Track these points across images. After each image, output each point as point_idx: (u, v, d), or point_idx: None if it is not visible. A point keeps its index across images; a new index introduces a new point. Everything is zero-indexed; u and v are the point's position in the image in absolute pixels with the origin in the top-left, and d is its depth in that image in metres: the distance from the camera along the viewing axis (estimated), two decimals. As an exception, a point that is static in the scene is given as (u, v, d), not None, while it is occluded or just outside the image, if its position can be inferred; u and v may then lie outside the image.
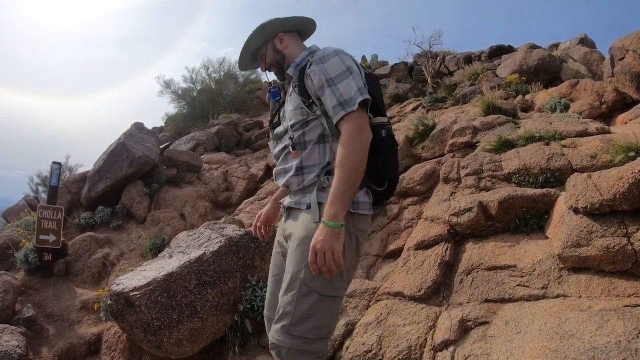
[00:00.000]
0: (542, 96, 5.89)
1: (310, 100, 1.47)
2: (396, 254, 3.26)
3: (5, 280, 3.89)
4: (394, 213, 3.78)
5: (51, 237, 4.65)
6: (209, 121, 12.17)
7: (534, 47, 9.38)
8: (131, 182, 6.23)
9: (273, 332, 1.38)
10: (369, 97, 1.40)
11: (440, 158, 4.16)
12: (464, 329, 2.25)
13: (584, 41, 8.81)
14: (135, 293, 2.78)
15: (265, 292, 2.57)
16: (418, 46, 12.10)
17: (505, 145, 3.70)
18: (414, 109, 7.90)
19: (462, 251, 2.85)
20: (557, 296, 2.17)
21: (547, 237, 2.61)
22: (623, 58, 4.81)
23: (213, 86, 14.14)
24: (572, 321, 1.88)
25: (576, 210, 2.34)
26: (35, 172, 10.05)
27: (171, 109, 15.46)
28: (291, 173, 1.51)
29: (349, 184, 1.33)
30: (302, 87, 1.49)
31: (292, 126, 1.53)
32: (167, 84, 14.32)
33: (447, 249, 2.86)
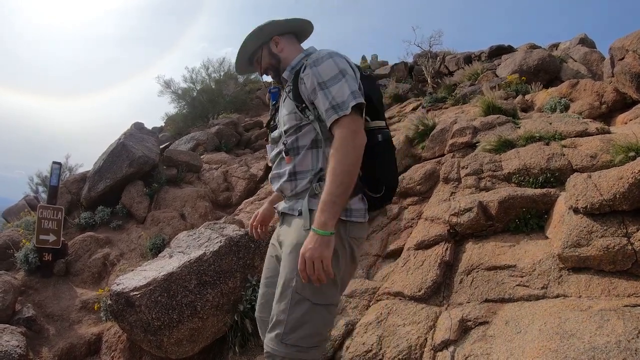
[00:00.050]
0: (542, 96, 5.89)
1: (304, 105, 1.44)
2: (396, 254, 3.26)
3: (6, 280, 3.89)
4: (394, 213, 3.78)
5: (51, 237, 4.65)
6: (209, 121, 12.17)
7: (534, 47, 9.38)
8: (131, 182, 6.23)
9: (267, 341, 1.37)
10: (362, 100, 1.37)
11: (440, 158, 4.16)
12: (464, 329, 2.25)
13: (584, 41, 8.82)
14: (135, 293, 2.78)
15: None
16: (418, 46, 12.12)
17: (505, 146, 3.70)
18: (414, 109, 7.91)
19: (462, 251, 2.85)
20: (557, 296, 2.17)
21: (547, 237, 2.61)
22: (623, 58, 4.81)
23: (213, 86, 14.15)
24: (572, 321, 1.89)
25: (576, 210, 2.34)
26: (35, 172, 10.06)
27: (171, 109, 15.49)
28: (284, 179, 1.49)
29: (341, 191, 1.29)
30: (296, 92, 1.46)
31: (285, 131, 1.51)
32: (167, 84, 14.34)
33: (447, 249, 2.86)
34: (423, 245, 3.00)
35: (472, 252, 2.77)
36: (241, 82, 14.56)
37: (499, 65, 8.99)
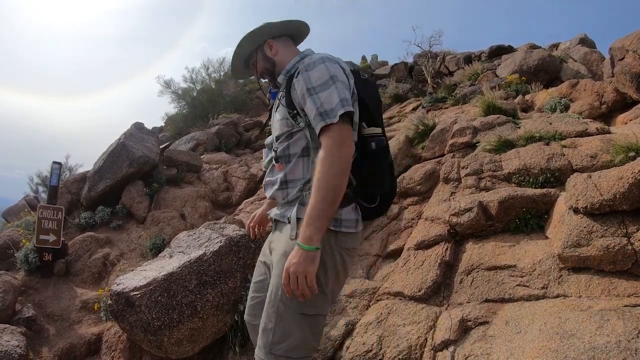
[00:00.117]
0: (542, 96, 5.89)
1: (295, 112, 1.40)
2: (396, 254, 3.26)
3: (6, 280, 3.89)
4: (394, 213, 3.78)
5: (51, 237, 4.65)
6: (209, 121, 12.18)
7: (534, 47, 9.39)
8: (131, 182, 6.23)
9: (257, 350, 1.36)
10: (351, 109, 1.31)
11: (440, 158, 4.16)
12: (464, 328, 2.25)
13: (584, 41, 8.82)
14: (135, 293, 2.78)
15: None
16: (418, 46, 12.14)
17: (506, 146, 3.70)
18: (414, 109, 7.92)
19: (462, 251, 2.85)
20: (557, 296, 2.17)
21: (547, 237, 2.61)
22: (623, 58, 4.81)
23: (213, 86, 14.15)
24: (572, 321, 1.89)
25: (576, 210, 2.35)
26: (35, 172, 10.05)
27: (171, 109, 15.49)
28: (276, 187, 1.47)
29: (326, 204, 1.24)
30: (289, 98, 1.42)
31: (277, 138, 1.48)
32: (167, 84, 14.35)
33: (447, 249, 2.86)
34: (423, 245, 3.00)
35: (472, 252, 2.77)
36: (241, 82, 14.57)
37: (499, 65, 9.00)
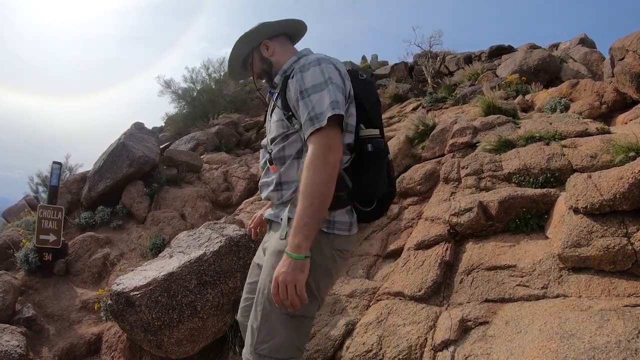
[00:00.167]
0: (542, 96, 5.89)
1: (290, 113, 1.38)
2: (396, 254, 3.26)
3: (6, 280, 3.89)
4: (394, 213, 3.78)
5: (51, 237, 4.65)
6: (209, 121, 12.19)
7: (534, 47, 9.39)
8: (131, 182, 6.23)
9: (244, 350, 1.36)
10: (341, 112, 1.27)
11: (440, 158, 4.16)
12: (464, 328, 2.25)
13: (584, 41, 8.82)
14: (135, 293, 2.78)
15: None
16: (418, 46, 12.15)
17: (506, 146, 3.70)
18: (414, 109, 7.92)
19: (462, 251, 2.85)
20: (557, 296, 2.17)
21: (547, 237, 2.61)
22: (623, 58, 4.81)
23: (213, 86, 14.16)
24: (572, 321, 1.89)
25: (576, 210, 2.35)
26: (35, 172, 10.04)
27: (171, 109, 15.51)
28: (271, 188, 1.46)
29: (312, 212, 1.21)
30: (284, 99, 1.40)
31: (273, 139, 1.46)
32: (167, 84, 14.35)
33: (447, 249, 2.86)
34: (423, 245, 3.00)
35: (472, 252, 2.77)
36: (241, 82, 14.58)
37: (499, 65, 9.00)
